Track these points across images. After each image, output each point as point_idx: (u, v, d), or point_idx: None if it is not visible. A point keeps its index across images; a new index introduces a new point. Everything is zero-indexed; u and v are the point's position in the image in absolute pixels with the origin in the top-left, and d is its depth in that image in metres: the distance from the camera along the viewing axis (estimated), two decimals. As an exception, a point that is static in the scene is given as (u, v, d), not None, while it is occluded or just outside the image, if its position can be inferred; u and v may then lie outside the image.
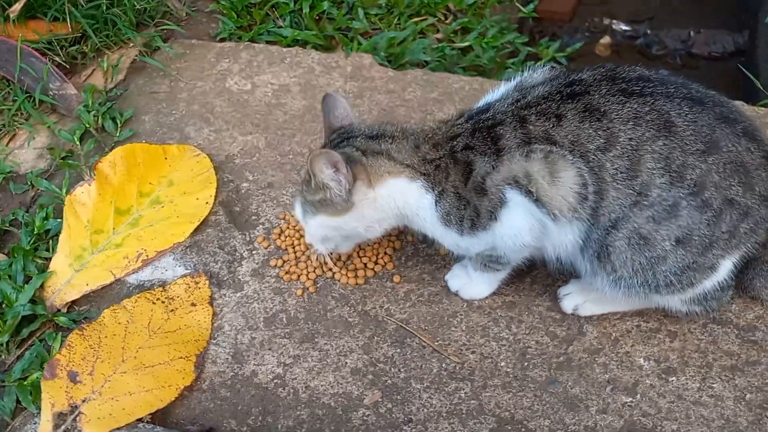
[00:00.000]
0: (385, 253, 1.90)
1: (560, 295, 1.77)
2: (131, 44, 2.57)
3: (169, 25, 2.61)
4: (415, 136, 1.65)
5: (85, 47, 2.54)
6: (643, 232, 1.47)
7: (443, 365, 1.70)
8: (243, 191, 2.09)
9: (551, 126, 1.49)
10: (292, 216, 1.99)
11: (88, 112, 2.28)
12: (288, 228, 1.96)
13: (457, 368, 1.69)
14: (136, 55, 2.57)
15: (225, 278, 1.89)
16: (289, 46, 2.61)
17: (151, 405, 1.60)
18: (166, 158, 2.08)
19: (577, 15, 3.62)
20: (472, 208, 1.57)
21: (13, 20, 2.40)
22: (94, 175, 1.97)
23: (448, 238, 1.67)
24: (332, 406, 1.65)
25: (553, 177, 1.48)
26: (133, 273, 1.85)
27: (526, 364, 1.69)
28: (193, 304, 1.79)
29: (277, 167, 2.14)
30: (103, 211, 1.94)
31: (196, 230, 1.96)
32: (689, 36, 3.46)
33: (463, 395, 1.65)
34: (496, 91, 1.66)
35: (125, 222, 1.94)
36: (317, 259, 1.88)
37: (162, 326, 1.74)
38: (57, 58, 2.45)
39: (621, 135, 1.45)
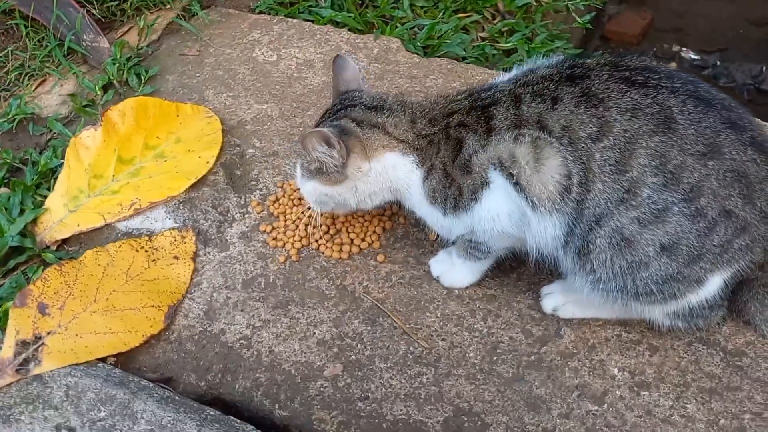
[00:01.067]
0: (374, 231, 1.87)
1: (542, 294, 1.71)
2: (169, 6, 2.60)
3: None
4: (413, 110, 1.63)
5: (124, 4, 2.59)
6: (626, 232, 1.41)
7: (410, 348, 1.66)
8: (247, 156, 2.10)
9: (545, 108, 1.43)
10: (290, 185, 1.99)
11: (114, 64, 2.32)
12: (284, 196, 1.96)
13: (424, 353, 1.65)
14: (173, 18, 2.60)
15: (212, 237, 1.89)
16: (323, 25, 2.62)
17: (114, 347, 1.62)
18: (177, 115, 2.11)
19: (647, 39, 3.51)
20: (456, 186, 1.53)
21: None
22: (102, 121, 2.00)
23: (432, 217, 1.64)
24: (292, 373, 1.64)
25: (537, 163, 1.43)
26: (124, 220, 1.88)
27: (495, 358, 1.63)
28: (176, 257, 1.81)
29: (285, 137, 2.14)
30: (106, 157, 1.97)
31: (193, 187, 1.97)
32: (761, 72, 3.32)
33: (424, 380, 1.61)
34: (507, 74, 1.62)
35: (126, 171, 1.97)
36: (305, 229, 1.87)
37: (141, 273, 1.76)
38: (95, 12, 2.50)
39: (616, 125, 1.39)
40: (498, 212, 1.50)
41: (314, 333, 1.70)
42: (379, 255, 1.83)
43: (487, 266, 1.72)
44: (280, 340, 1.69)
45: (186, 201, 1.95)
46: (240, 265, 1.84)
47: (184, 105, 2.13)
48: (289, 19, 2.61)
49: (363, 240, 1.86)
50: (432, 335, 1.68)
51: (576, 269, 1.51)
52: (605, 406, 1.55)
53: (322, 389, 1.60)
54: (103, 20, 2.54)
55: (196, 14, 2.61)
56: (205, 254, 1.86)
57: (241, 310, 1.75)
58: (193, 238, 1.85)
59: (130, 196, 1.90)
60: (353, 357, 1.65)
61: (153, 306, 1.70)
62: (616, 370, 1.60)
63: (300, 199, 1.95)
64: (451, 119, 1.56)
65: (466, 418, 1.55)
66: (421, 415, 1.55)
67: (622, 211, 1.39)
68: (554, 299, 1.68)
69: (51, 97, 2.36)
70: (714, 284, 1.48)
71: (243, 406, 1.61)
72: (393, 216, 1.92)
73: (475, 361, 1.63)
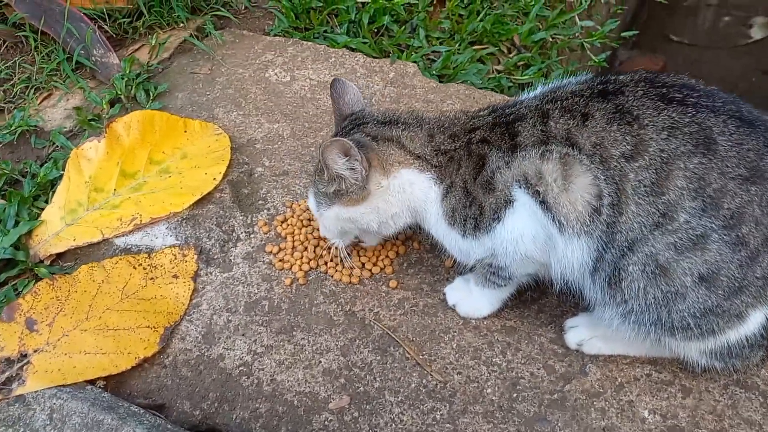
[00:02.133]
0: (387, 256, 1.77)
1: (566, 328, 1.58)
2: (182, 26, 2.55)
3: (223, 12, 2.58)
4: (431, 125, 1.53)
5: (137, 22, 2.53)
6: (661, 260, 1.29)
7: (423, 381, 1.53)
8: (256, 175, 2.00)
9: (575, 125, 1.34)
10: (299, 205, 1.89)
11: (123, 79, 2.24)
12: (292, 216, 1.86)
13: (438, 387, 1.52)
14: (186, 37, 2.54)
15: (215, 256, 1.79)
16: (338, 49, 2.56)
17: (104, 369, 1.50)
18: (185, 131, 2.02)
19: (664, 79, 3.45)
20: (477, 206, 1.43)
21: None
22: (106, 133, 1.91)
23: (449, 239, 1.53)
24: (294, 404, 1.51)
25: (566, 181, 1.33)
26: (123, 236, 1.78)
27: (515, 395, 1.50)
28: (176, 276, 1.70)
29: (296, 157, 2.05)
30: (108, 170, 1.88)
31: (198, 204, 1.87)
32: (772, 114, 3.24)
33: (438, 416, 1.48)
34: (532, 91, 1.53)
35: (128, 185, 1.88)
36: (314, 251, 1.76)
37: (137, 292, 1.65)
38: (106, 28, 2.45)
39: (651, 144, 1.29)
40: (522, 233, 1.39)
41: (320, 361, 1.58)
42: (391, 281, 1.72)
43: (506, 295, 1.61)
44: (283, 368, 1.57)
45: (189, 218, 1.85)
46: (243, 287, 1.73)
47: (193, 121, 2.05)
48: (304, 42, 2.55)
49: (375, 264, 1.75)
50: (447, 368, 1.56)
51: (605, 300, 1.39)
52: (635, 451, 1.41)
53: (326, 423, 1.48)
54: (115, 36, 2.48)
55: (209, 34, 2.55)
56: (206, 274, 1.75)
57: (243, 335, 1.63)
58: (195, 256, 1.74)
59: (131, 212, 1.80)
60: (361, 389, 1.53)
61: (148, 327, 1.58)
62: (646, 413, 1.47)
63: (310, 220, 1.84)
64: (473, 135, 1.47)
65: (482, 460, 1.41)
66: (434, 454, 1.42)
67: (657, 236, 1.28)
68: (579, 333, 1.55)
69: (56, 111, 2.29)
70: (755, 320, 1.36)
71: (240, 438, 1.48)
72: (407, 241, 1.81)
73: (494, 398, 1.50)
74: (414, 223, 1.63)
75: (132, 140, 1.93)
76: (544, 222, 1.35)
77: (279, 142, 2.10)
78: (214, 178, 1.89)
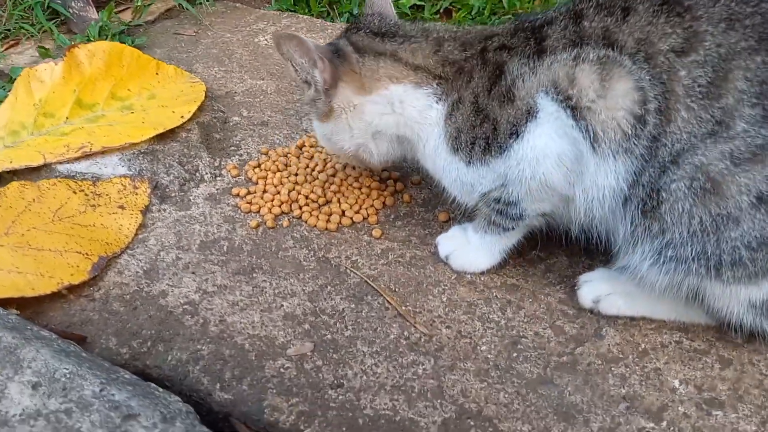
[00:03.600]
0: (372, 205, 1.51)
1: (579, 283, 1.32)
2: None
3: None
4: (439, 34, 1.31)
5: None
6: (713, 172, 1.05)
7: (405, 333, 1.25)
8: (231, 123, 1.77)
9: (613, 21, 1.11)
10: (276, 152, 1.65)
11: (97, 25, 2.04)
12: (267, 161, 1.61)
13: (422, 340, 1.24)
14: (175, 3, 2.36)
15: (172, 194, 1.53)
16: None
17: (18, 289, 1.23)
18: (157, 73, 1.81)
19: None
20: (490, 123, 1.20)
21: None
22: (65, 56, 1.69)
23: (450, 170, 1.29)
24: (245, 348, 1.22)
25: (604, 84, 1.09)
26: (67, 162, 1.53)
27: (515, 354, 1.22)
28: (122, 207, 1.44)
29: (279, 110, 1.82)
30: (62, 96, 1.65)
31: (160, 140, 1.63)
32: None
33: (420, 371, 1.19)
34: None
35: (83, 116, 1.64)
36: (288, 194, 1.51)
37: (73, 216, 1.39)
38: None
39: (707, 38, 1.06)
40: (544, 151, 1.15)
41: (281, 305, 1.30)
42: (374, 230, 1.46)
43: (511, 244, 1.35)
44: (237, 309, 1.29)
45: (148, 152, 1.60)
46: (200, 226, 1.46)
47: (167, 65, 1.84)
48: (300, 15, 2.37)
49: (357, 213, 1.49)
50: (434, 321, 1.28)
51: (637, 235, 1.14)
52: (664, 424, 1.13)
53: (282, 370, 1.19)
54: (101, -2, 2.29)
55: (201, 4, 2.36)
56: (159, 211, 1.49)
57: (192, 272, 1.36)
58: (148, 190, 1.49)
59: (81, 140, 1.55)
60: (328, 336, 1.24)
61: (80, 253, 1.31)
62: (677, 383, 1.18)
63: (287, 165, 1.60)
64: (489, 42, 1.25)
65: (472, 422, 1.12)
66: (413, 412, 1.13)
67: (709, 145, 1.04)
68: (596, 287, 1.29)
69: (22, 58, 2.08)
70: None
71: (173, 383, 1.19)
72: (396, 194, 1.56)
73: (489, 356, 1.22)
74: (400, 156, 1.39)
75: (94, 70, 1.71)
76: (575, 136, 1.12)
77: (261, 96, 1.88)
78: (182, 116, 1.66)
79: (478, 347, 1.24)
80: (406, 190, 1.58)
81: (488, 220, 1.31)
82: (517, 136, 1.17)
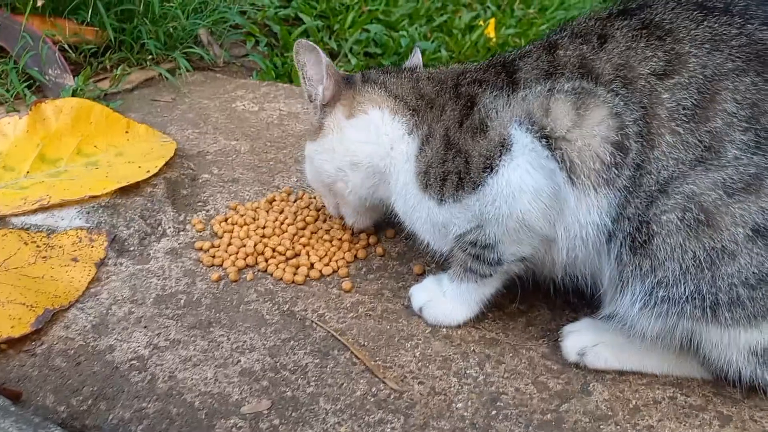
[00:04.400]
0: (343, 258, 1.42)
1: (563, 334, 1.22)
2: (151, 67, 2.36)
3: (196, 51, 2.41)
4: (422, 72, 1.29)
5: (104, 57, 2.34)
6: (705, 202, 0.98)
7: (372, 390, 1.14)
8: (200, 180, 1.71)
9: (589, 50, 1.07)
10: (245, 206, 1.58)
11: (71, 90, 2.01)
12: (235, 215, 1.53)
13: (392, 397, 1.13)
14: (158, 70, 2.35)
15: (131, 248, 1.45)
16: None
17: (-51, 340, 1.11)
18: (127, 131, 1.75)
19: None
20: (462, 157, 1.13)
21: (41, 12, 2.26)
22: (30, 110, 1.64)
23: (421, 211, 1.21)
24: (195, 406, 1.11)
25: (579, 112, 1.03)
26: (23, 215, 1.44)
27: (494, 412, 1.11)
28: (75, 260, 1.35)
29: (252, 168, 1.76)
30: (24, 150, 1.59)
31: (123, 194, 1.56)
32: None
33: (388, 429, 1.07)
34: None
35: (45, 171, 1.58)
36: (254, 247, 1.43)
37: (21, 267, 1.30)
38: (72, 56, 2.26)
39: (690, 59, 1.01)
40: (521, 186, 1.08)
41: (238, 360, 1.19)
42: (344, 282, 1.37)
43: (488, 293, 1.26)
44: (189, 365, 1.18)
45: (109, 206, 1.53)
46: (158, 280, 1.37)
47: (138, 124, 1.79)
48: (280, 84, 2.35)
49: (326, 265, 1.40)
50: (406, 377, 1.17)
51: (625, 276, 1.05)
52: (661, 486, 0.99)
53: (233, 430, 1.07)
54: (78, 65, 2.28)
55: (181, 75, 2.35)
56: (115, 264, 1.40)
57: (144, 327, 1.25)
58: (105, 243, 1.40)
59: (40, 193, 1.48)
60: (288, 393, 1.13)
61: (24, 304, 1.21)
62: (673, 441, 1.06)
63: (254, 219, 1.52)
64: (462, 78, 1.20)
65: (445, 485, 0.99)
66: (378, 474, 1.00)
67: (699, 173, 0.97)
68: (581, 338, 1.19)
69: (-9, 120, 2.02)
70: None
71: (112, 444, 1.06)
72: (369, 247, 1.48)
73: (465, 414, 1.10)
74: (377, 197, 1.32)
75: (61, 125, 1.66)
76: (551, 167, 1.05)
77: (234, 155, 1.83)
78: (148, 171, 1.60)
79: (454, 404, 1.12)
80: (379, 244, 1.49)
81: (464, 266, 1.22)
82: (491, 170, 1.10)
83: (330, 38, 2.68)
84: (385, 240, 1.51)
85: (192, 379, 1.16)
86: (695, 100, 0.99)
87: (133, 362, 1.19)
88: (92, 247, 1.39)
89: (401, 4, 2.98)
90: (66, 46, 2.22)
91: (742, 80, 0.98)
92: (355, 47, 2.60)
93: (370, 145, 1.25)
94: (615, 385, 1.17)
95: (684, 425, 1.09)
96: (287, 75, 2.49)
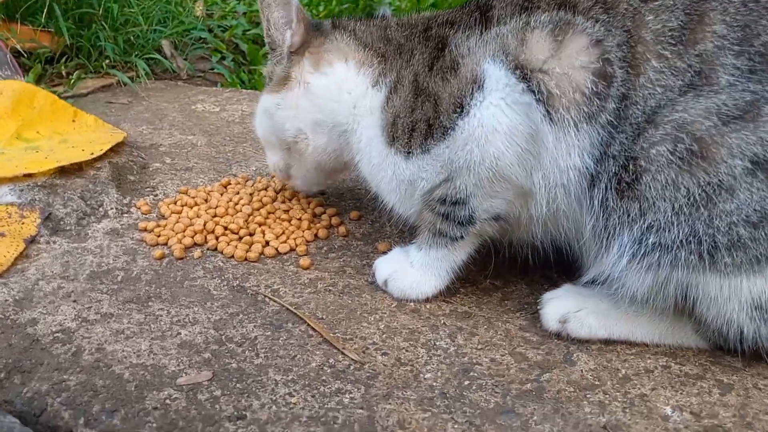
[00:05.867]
0: (302, 236, 1.30)
1: (543, 301, 1.10)
2: (109, 71, 2.26)
3: (156, 56, 2.32)
4: (392, 20, 1.19)
5: (59, 65, 2.24)
6: (698, 131, 0.89)
7: (330, 361, 1.01)
8: (150, 168, 1.59)
9: None
10: (198, 190, 1.45)
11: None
12: (186, 197, 1.41)
13: (351, 368, 1.00)
14: (113, 81, 2.25)
15: (67, 227, 1.31)
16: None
17: None
18: (74, 120, 1.64)
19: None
20: (431, 102, 1.03)
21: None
22: (-35, 90, 1.52)
23: (386, 170, 1.11)
24: (125, 378, 0.96)
25: (557, 42, 0.94)
26: (-54, 191, 1.30)
27: (467, 383, 0.98)
28: (1, 235, 1.21)
29: (207, 159, 1.65)
30: (-45, 129, 1.45)
31: (63, 175, 1.43)
32: None
33: (346, 400, 0.93)
34: None
35: (-22, 152, 1.44)
36: (203, 225, 1.30)
37: (-64, 239, 1.15)
38: (27, 62, 2.16)
39: None
40: (493, 125, 0.98)
41: (178, 333, 1.05)
42: (302, 260, 1.24)
43: (460, 260, 1.14)
44: (121, 337, 1.04)
45: (46, 185, 1.40)
46: (93, 257, 1.23)
47: (86, 114, 1.67)
48: (243, 90, 2.26)
49: (283, 243, 1.27)
50: (368, 348, 1.04)
51: (610, 226, 0.95)
52: (658, 455, 0.86)
53: (167, 402, 0.92)
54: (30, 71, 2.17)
55: (141, 82, 2.25)
56: (47, 243, 1.27)
57: (73, 301, 1.12)
58: (37, 220, 1.27)
59: (-30, 172, 1.35)
60: (233, 365, 0.99)
61: (-65, 274, 1.06)
62: (668, 409, 0.94)
63: (206, 200, 1.40)
64: (433, 20, 1.11)
65: (411, 456, 0.85)
66: (333, 445, 0.86)
67: (689, 100, 0.88)
68: (562, 304, 1.07)
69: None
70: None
71: (26, 419, 0.91)
72: (332, 228, 1.36)
73: (434, 384, 0.97)
74: (339, 160, 1.21)
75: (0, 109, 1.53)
76: (527, 101, 0.95)
77: (189, 148, 1.72)
78: (92, 153, 1.47)
79: (421, 375, 0.99)
80: (343, 224, 1.37)
81: (432, 230, 1.10)
82: (462, 111, 1.00)
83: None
84: (349, 221, 1.39)
85: (123, 351, 1.01)
86: (682, 21, 0.90)
87: (57, 335, 1.04)
88: (22, 223, 1.26)
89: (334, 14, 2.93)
90: (21, 51, 2.11)
91: (731, 0, 0.90)
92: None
93: (332, 102, 1.15)
94: (601, 354, 1.05)
95: (681, 393, 0.97)
96: (254, 89, 2.40)
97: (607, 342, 1.07)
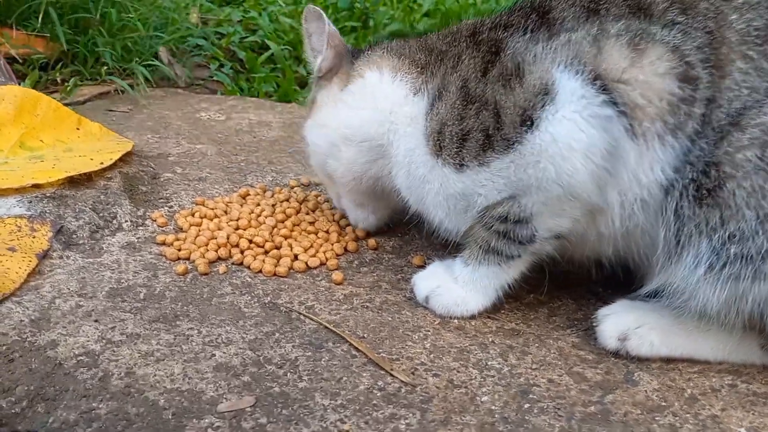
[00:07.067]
0: (331, 249, 1.23)
1: (599, 318, 1.04)
2: (107, 78, 2.17)
3: (154, 63, 2.23)
4: (432, 33, 1.13)
5: (54, 72, 2.15)
6: None
7: (379, 383, 0.94)
8: (162, 179, 1.51)
9: None
10: (216, 201, 1.38)
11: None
12: (204, 208, 1.33)
13: (403, 391, 0.93)
14: (110, 88, 2.16)
15: (80, 241, 1.23)
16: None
17: None
18: (78, 128, 1.55)
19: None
20: (490, 112, 0.96)
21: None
22: (-34, 95, 1.43)
23: (431, 183, 1.05)
24: (160, 405, 0.88)
25: (636, 50, 0.89)
26: (-49, 202, 1.22)
27: (527, 405, 0.91)
28: (12, 249, 1.13)
29: (221, 169, 1.58)
30: (-44, 138, 1.36)
31: (72, 186, 1.35)
32: None
33: (402, 426, 0.86)
34: None
35: (-20, 161, 1.36)
36: (227, 238, 1.22)
37: (-56, 254, 1.06)
38: (21, 69, 2.07)
39: None
40: (569, 143, 0.91)
41: (213, 354, 0.97)
42: (334, 274, 1.17)
43: (511, 279, 1.09)
44: (151, 360, 0.96)
45: (56, 197, 1.32)
46: (112, 273, 1.15)
47: (91, 122, 1.59)
48: (248, 98, 2.19)
49: (313, 257, 1.20)
50: (417, 369, 0.97)
51: (685, 236, 0.89)
52: (743, 481, 0.81)
53: (209, 430, 0.84)
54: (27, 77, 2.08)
55: (140, 87, 2.17)
56: (61, 258, 1.18)
57: (95, 321, 1.03)
58: (49, 234, 1.19)
59: (-26, 182, 1.26)
60: (276, 389, 0.92)
61: (-56, 294, 0.98)
62: (743, 431, 0.88)
63: (226, 212, 1.32)
64: (480, 26, 1.05)
65: (482, 488, 0.78)
66: (396, 476, 0.79)
67: None
68: (621, 321, 1.01)
69: None
70: None
71: (51, 453, 0.82)
72: (359, 240, 1.29)
73: (493, 407, 0.90)
74: (374, 178, 1.15)
75: (1, 114, 1.44)
76: (606, 116, 0.89)
77: (199, 157, 1.64)
78: (101, 162, 1.40)
79: (477, 398, 0.92)
80: (371, 237, 1.30)
81: (485, 246, 1.04)
82: (531, 125, 0.93)
83: (298, 65, 2.54)
84: (376, 234, 1.33)
85: (155, 376, 0.93)
86: (767, 20, 0.85)
87: (80, 358, 0.96)
88: (33, 237, 1.18)
89: (369, 39, 2.89)
90: (15, 56, 2.02)
91: None
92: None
93: (364, 111, 1.09)
94: (663, 373, 0.99)
95: (753, 414, 0.92)
96: (256, 96, 2.33)
97: (667, 360, 1.01)
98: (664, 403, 0.94)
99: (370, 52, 1.15)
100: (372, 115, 1.08)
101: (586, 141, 0.91)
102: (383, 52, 1.12)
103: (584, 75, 0.91)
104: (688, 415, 0.91)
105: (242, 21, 2.93)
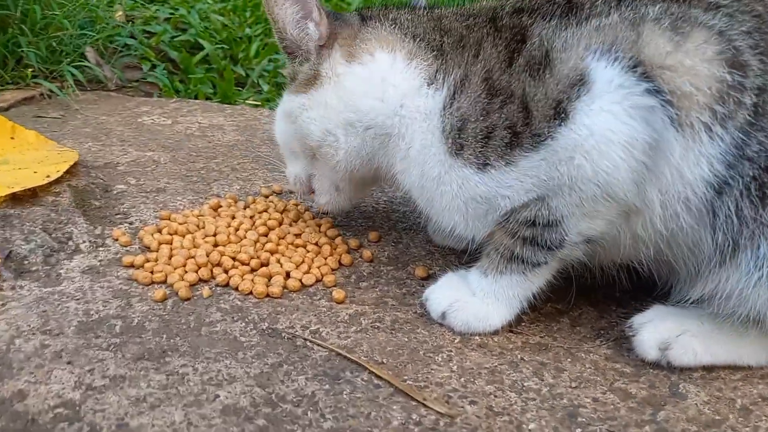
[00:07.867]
0: (326, 263, 1.10)
1: (634, 327, 0.96)
2: (32, 81, 1.96)
3: (85, 63, 2.03)
4: (444, 11, 1.03)
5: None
6: None
7: (413, 416, 0.82)
8: (115, 191, 1.34)
9: None
10: (184, 215, 1.22)
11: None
12: (172, 223, 1.18)
13: (442, 424, 0.82)
14: (35, 93, 1.95)
15: (34, 267, 1.06)
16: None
17: None
18: (12, 138, 1.36)
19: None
20: (517, 105, 0.86)
21: None
22: None
23: (449, 185, 0.94)
24: (165, 462, 0.73)
25: (680, 33, 0.80)
26: None
27: (579, 430, 0.82)
28: (-46, 281, 0.94)
29: (179, 178, 1.42)
30: None
31: (15, 203, 1.17)
32: None
33: (452, 467, 0.75)
34: None
35: None
36: (206, 256, 1.08)
37: None
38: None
39: None
40: (608, 136, 0.83)
41: (216, 396, 0.83)
42: (335, 292, 1.05)
43: (536, 288, 1.00)
44: (144, 406, 0.81)
45: (-2, 217, 1.12)
46: (77, 304, 0.99)
47: (26, 130, 1.41)
48: (191, 100, 2.02)
49: (307, 273, 1.07)
50: (450, 396, 0.86)
51: (738, 240, 0.82)
52: (826, 500, 0.74)
53: (231, 490, 0.71)
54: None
55: (69, 89, 1.96)
56: (12, 288, 1.01)
57: (68, 363, 0.87)
58: (-2, 261, 1.00)
59: None
60: (298, 432, 0.79)
61: None
62: (809, 443, 0.82)
63: (198, 226, 1.17)
64: (500, 9, 0.95)
65: None
66: None
67: None
68: (660, 329, 0.94)
69: None
70: None
71: None
72: (352, 252, 1.17)
73: (544, 436, 0.80)
74: (372, 169, 1.03)
75: None
76: (649, 106, 0.81)
77: (153, 166, 1.48)
78: (48, 175, 1.22)
79: (524, 426, 0.83)
80: (363, 248, 1.18)
81: (506, 254, 0.95)
82: (565, 118, 0.84)
83: (236, 65, 2.38)
84: (368, 244, 1.21)
85: (153, 426, 0.79)
86: None
87: (58, 411, 0.80)
88: (-22, 265, 0.99)
89: None
90: None
91: None
92: (265, 73, 2.32)
93: (371, 99, 0.96)
94: (708, 383, 0.92)
95: (810, 423, 0.85)
96: (195, 98, 2.16)
97: (708, 369, 0.94)
98: (717, 417, 0.87)
99: (376, 24, 1.03)
100: (380, 104, 0.98)
101: (626, 134, 0.83)
102: (394, 29, 1.01)
103: (623, 62, 0.83)
104: (746, 429, 0.85)
105: (171, 19, 2.74)
